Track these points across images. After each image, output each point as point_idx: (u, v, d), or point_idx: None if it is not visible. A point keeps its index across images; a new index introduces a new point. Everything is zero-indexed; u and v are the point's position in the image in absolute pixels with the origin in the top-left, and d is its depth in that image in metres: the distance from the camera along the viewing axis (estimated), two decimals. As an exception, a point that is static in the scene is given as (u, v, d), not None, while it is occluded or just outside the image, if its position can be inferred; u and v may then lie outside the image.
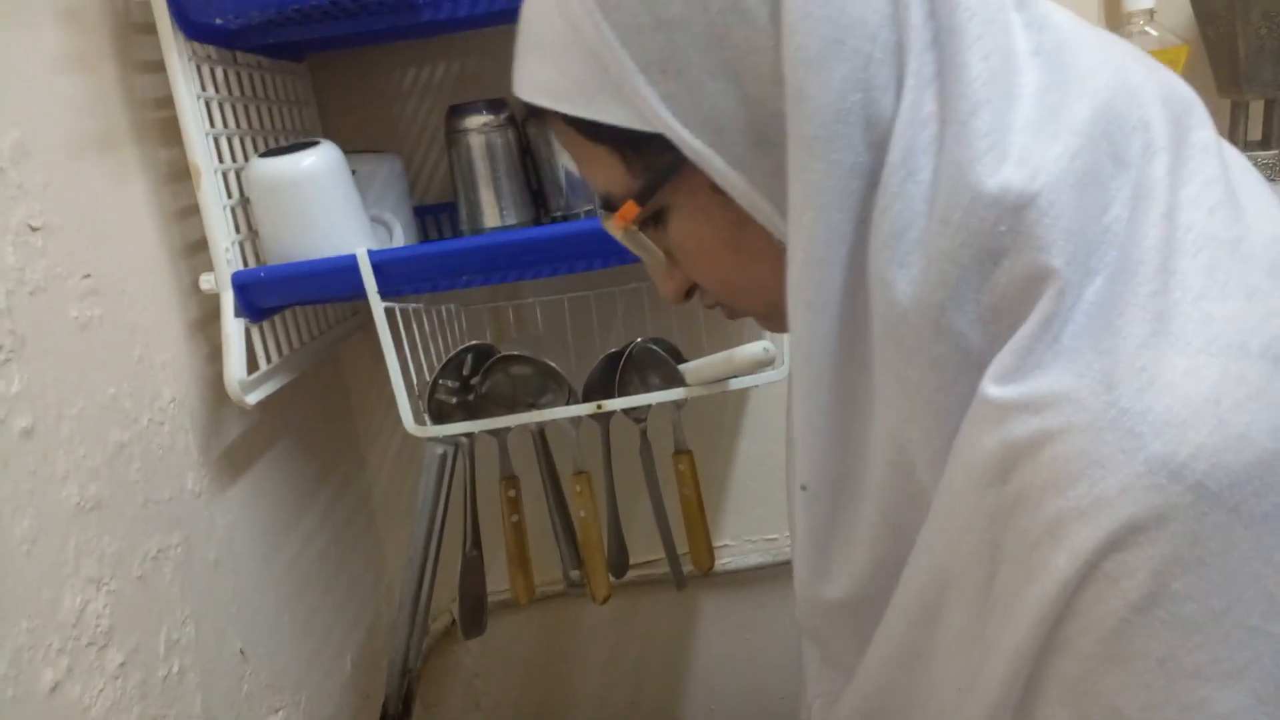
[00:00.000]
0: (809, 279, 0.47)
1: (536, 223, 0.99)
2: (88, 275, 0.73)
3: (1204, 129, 0.47)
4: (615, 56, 0.46)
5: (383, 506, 1.27)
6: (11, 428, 0.62)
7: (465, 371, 0.95)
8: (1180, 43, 1.00)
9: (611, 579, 1.05)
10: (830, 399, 0.50)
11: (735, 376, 0.88)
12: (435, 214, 1.10)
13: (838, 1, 0.43)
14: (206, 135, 0.83)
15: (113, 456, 0.73)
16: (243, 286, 0.84)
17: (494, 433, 0.99)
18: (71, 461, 0.68)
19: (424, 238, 1.09)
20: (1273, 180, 0.98)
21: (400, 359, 0.87)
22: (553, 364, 0.93)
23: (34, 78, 0.71)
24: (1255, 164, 0.55)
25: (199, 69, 0.83)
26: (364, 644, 1.18)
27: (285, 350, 0.94)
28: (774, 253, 0.50)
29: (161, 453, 0.79)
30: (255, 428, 0.97)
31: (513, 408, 0.94)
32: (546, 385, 0.94)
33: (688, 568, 1.08)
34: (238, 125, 0.90)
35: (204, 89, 0.84)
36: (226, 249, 0.84)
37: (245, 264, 0.87)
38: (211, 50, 0.86)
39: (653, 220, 0.53)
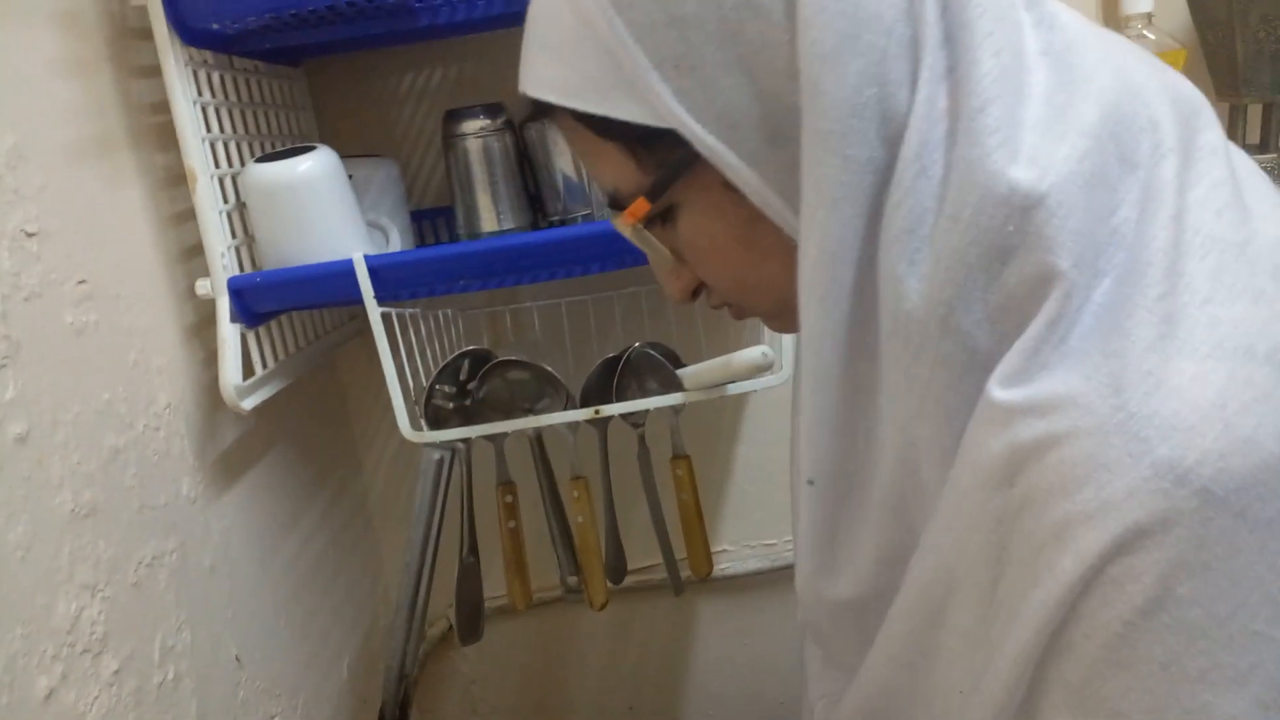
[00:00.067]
0: (821, 274, 0.47)
1: (534, 227, 0.99)
2: (83, 280, 0.72)
3: (1212, 131, 0.47)
4: (629, 53, 0.46)
5: (379, 512, 1.26)
6: (6, 433, 0.62)
7: (462, 376, 0.95)
8: (1178, 46, 1.00)
9: (609, 585, 1.05)
10: (839, 394, 0.50)
11: (733, 381, 0.88)
12: (432, 219, 1.10)
13: None
14: (203, 140, 0.83)
15: (108, 462, 0.72)
16: (239, 291, 0.84)
17: (491, 438, 0.99)
18: (66, 467, 0.67)
19: (421, 242, 1.08)
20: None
21: (397, 364, 0.87)
22: (550, 369, 0.93)
23: (30, 82, 0.71)
24: (1254, 168, 0.55)
25: (195, 74, 0.83)
26: (360, 650, 1.18)
27: (281, 355, 0.94)
28: (784, 250, 0.49)
29: (157, 458, 0.79)
30: (251, 433, 0.97)
31: (510, 413, 0.93)
32: (544, 390, 0.94)
33: (686, 573, 1.08)
34: (234, 130, 0.90)
35: (200, 94, 0.84)
36: (222, 254, 0.84)
37: (241, 269, 0.87)
38: (208, 55, 0.86)
39: (661, 218, 0.53)
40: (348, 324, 1.14)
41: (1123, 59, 0.47)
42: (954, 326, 0.45)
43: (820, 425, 0.51)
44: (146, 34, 0.80)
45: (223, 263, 0.84)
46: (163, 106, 0.82)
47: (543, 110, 0.51)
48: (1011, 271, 0.44)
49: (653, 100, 0.47)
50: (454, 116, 0.95)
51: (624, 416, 0.97)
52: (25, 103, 0.70)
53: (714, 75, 0.46)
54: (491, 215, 0.96)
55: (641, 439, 1.02)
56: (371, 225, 0.96)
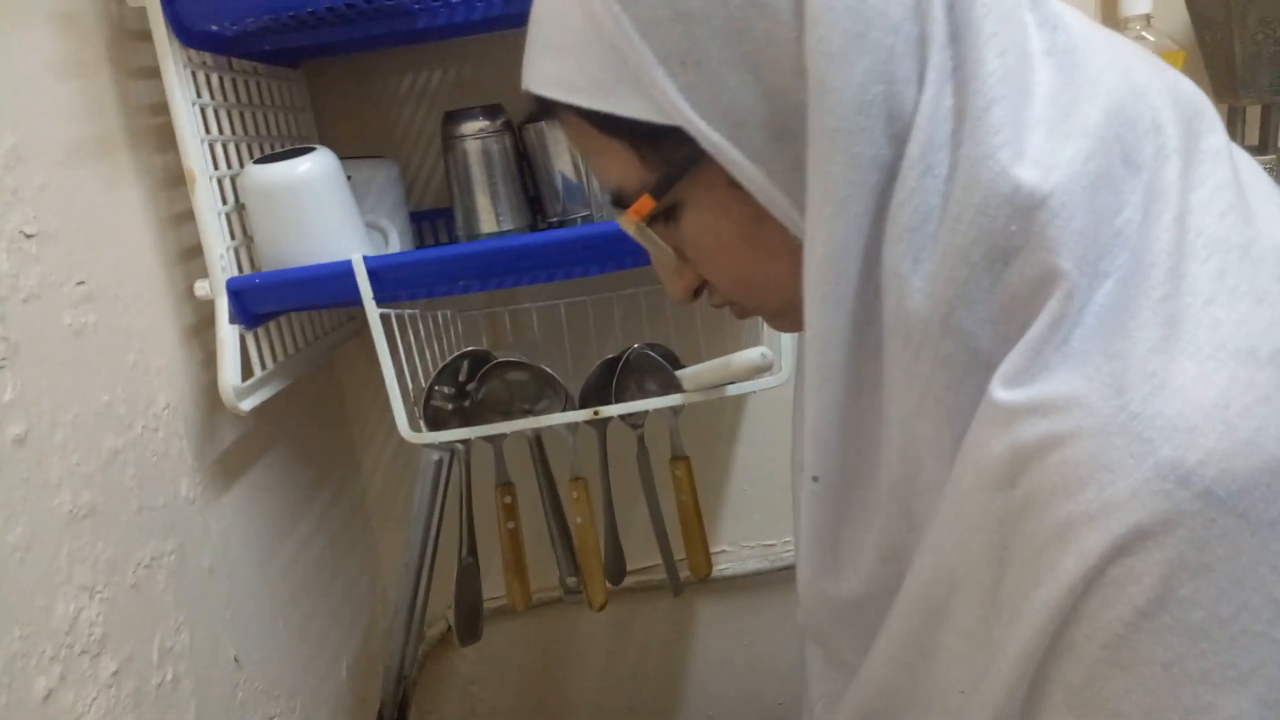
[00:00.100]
0: (827, 272, 0.47)
1: (533, 228, 0.99)
2: (82, 281, 0.72)
3: (1216, 133, 0.47)
4: (634, 49, 0.46)
5: (378, 513, 1.26)
6: (5, 435, 0.62)
7: (461, 377, 0.95)
8: (1177, 48, 1.01)
9: (608, 585, 1.05)
10: (843, 392, 0.50)
11: (733, 382, 0.88)
12: (431, 219, 1.10)
13: None
14: (202, 141, 0.83)
15: (107, 463, 0.72)
16: (237, 293, 0.84)
17: (490, 439, 0.99)
18: (65, 468, 0.67)
19: (420, 243, 1.08)
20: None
21: (396, 365, 0.87)
22: (549, 370, 0.93)
23: (29, 83, 0.71)
24: (1252, 169, 0.55)
25: (194, 75, 0.83)
26: (359, 651, 1.18)
27: (280, 356, 0.94)
28: (789, 248, 0.49)
29: (156, 459, 0.79)
30: (250, 434, 0.97)
31: (509, 414, 0.93)
32: (543, 391, 0.94)
33: (685, 574, 1.08)
34: (233, 131, 0.90)
35: (199, 95, 0.84)
36: (221, 255, 0.84)
37: (240, 270, 0.87)
38: (207, 56, 0.86)
39: (665, 216, 0.53)
40: (347, 325, 1.14)
41: (1128, 60, 0.47)
42: (955, 326, 0.45)
43: (825, 423, 0.51)
44: (145, 35, 0.80)
45: (222, 264, 0.84)
46: (162, 108, 0.82)
47: (546, 107, 0.51)
48: (1014, 272, 0.44)
49: (658, 97, 0.46)
50: (453, 118, 0.95)
51: (623, 417, 0.97)
52: (24, 104, 0.70)
53: (720, 72, 0.46)
54: (490, 216, 0.96)
55: (641, 440, 1.02)
56: (370, 226, 0.96)
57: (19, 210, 0.67)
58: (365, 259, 0.83)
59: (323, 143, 0.87)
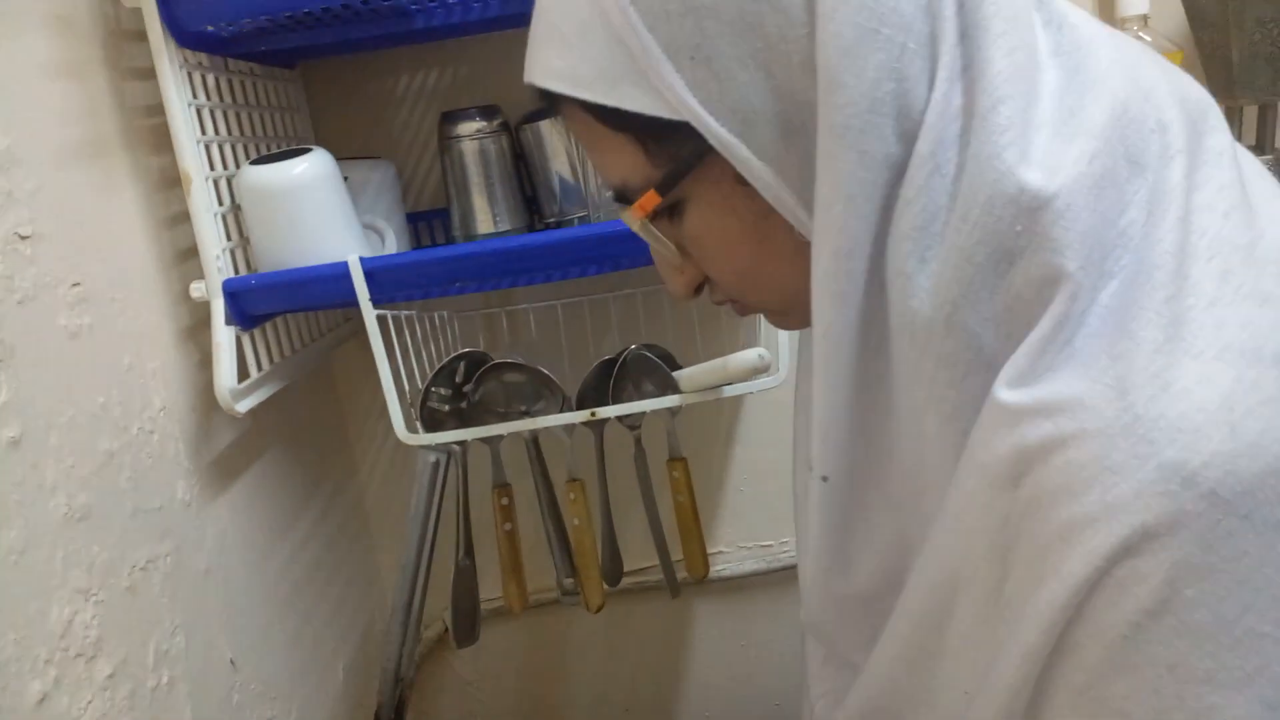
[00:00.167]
0: (837, 270, 0.47)
1: (530, 229, 0.99)
2: (77, 283, 0.72)
3: (1220, 133, 0.47)
4: (642, 42, 0.45)
5: (375, 514, 1.26)
6: (-1, 437, 0.62)
7: (458, 379, 0.95)
8: (1174, 48, 1.01)
9: (605, 587, 1.04)
10: (852, 390, 0.50)
11: (730, 383, 0.88)
12: (428, 220, 1.10)
13: None
14: (197, 142, 0.83)
15: (102, 466, 0.72)
16: (233, 294, 0.84)
17: (487, 441, 0.99)
18: (60, 471, 0.67)
19: (417, 244, 1.08)
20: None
21: (392, 366, 0.87)
22: (546, 371, 0.93)
23: (24, 85, 0.71)
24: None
25: (190, 76, 0.83)
26: (356, 652, 1.17)
27: (276, 358, 0.94)
28: (793, 245, 0.49)
29: (151, 461, 0.79)
30: (246, 436, 0.96)
31: (506, 415, 0.93)
32: (540, 392, 0.94)
33: (682, 575, 1.08)
34: (229, 132, 0.90)
35: (195, 96, 0.83)
36: (217, 256, 0.84)
37: (236, 271, 0.87)
38: (203, 57, 0.86)
39: (668, 212, 0.52)
40: (343, 326, 1.13)
41: (1134, 60, 0.47)
42: (959, 325, 0.45)
43: (834, 422, 0.51)
44: (141, 36, 0.80)
45: (217, 265, 0.83)
46: (157, 109, 0.82)
47: (550, 100, 0.50)
48: (1019, 272, 0.44)
49: (665, 91, 0.46)
50: (450, 118, 0.95)
51: (620, 418, 0.97)
52: (19, 105, 0.69)
53: (729, 67, 0.45)
54: (487, 217, 0.96)
55: (638, 441, 1.02)
56: (367, 227, 0.95)
57: (14, 212, 0.66)
58: (362, 260, 0.83)
59: (319, 143, 0.87)
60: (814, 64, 0.44)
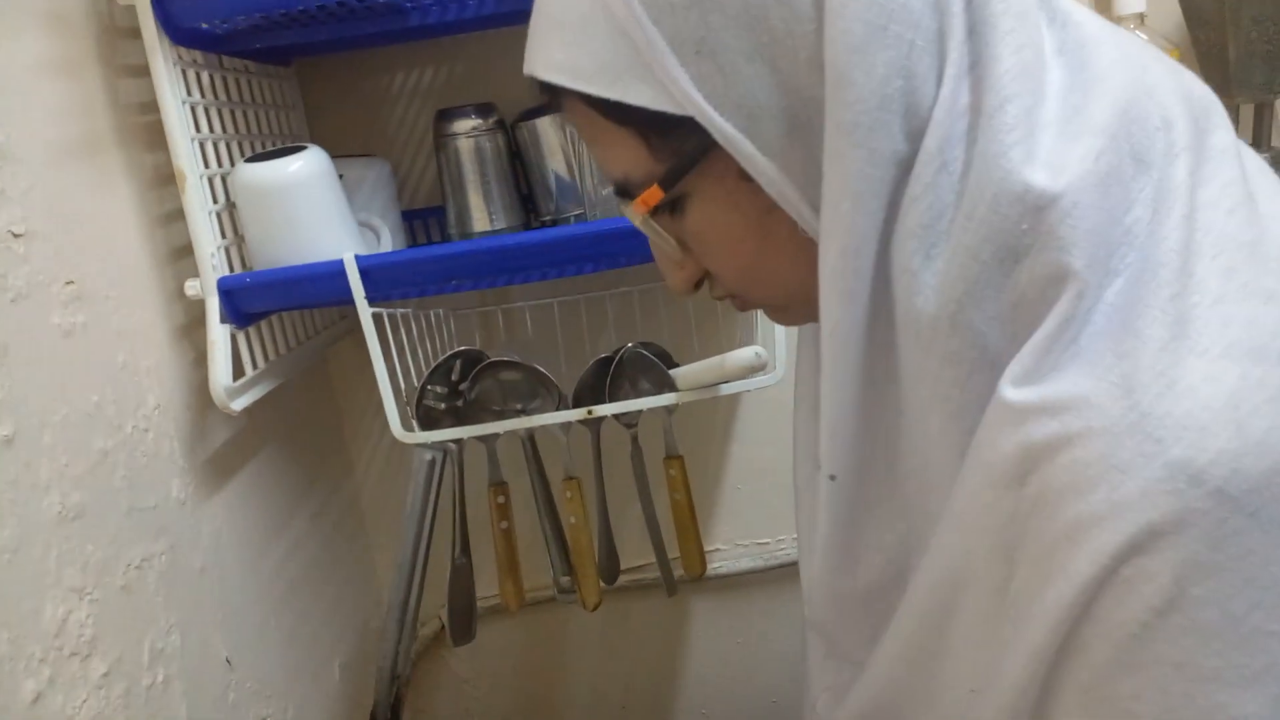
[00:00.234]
0: (844, 268, 0.46)
1: (526, 227, 0.99)
2: (71, 281, 0.72)
3: (1224, 131, 0.47)
4: (646, 35, 0.45)
5: (371, 512, 1.26)
6: (-8, 436, 0.62)
7: (454, 377, 0.95)
8: (1171, 47, 1.00)
9: (602, 585, 1.04)
10: (860, 387, 0.50)
11: (727, 381, 0.88)
12: (424, 218, 1.10)
13: None
14: (192, 140, 0.83)
15: (96, 464, 0.72)
16: (228, 292, 0.84)
17: (483, 439, 0.99)
18: (54, 470, 0.67)
19: (412, 242, 1.08)
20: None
21: (388, 364, 0.86)
22: (542, 369, 0.92)
23: (17, 82, 0.71)
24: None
25: (184, 73, 0.83)
26: (353, 650, 1.17)
27: (271, 356, 0.93)
28: (796, 242, 0.49)
29: (146, 460, 0.79)
30: (241, 434, 0.96)
31: (502, 413, 0.93)
32: (536, 391, 0.94)
33: (679, 573, 1.08)
34: (224, 130, 0.89)
35: (189, 94, 0.83)
36: (212, 254, 0.83)
37: (231, 269, 0.87)
38: (197, 55, 0.86)
39: (670, 207, 0.52)
40: (338, 324, 1.13)
41: (1139, 57, 0.47)
42: (963, 324, 0.45)
43: (843, 420, 0.51)
44: (135, 33, 0.79)
45: (212, 263, 0.83)
46: (151, 106, 0.81)
47: (551, 94, 0.50)
48: (1024, 270, 0.44)
49: (669, 85, 0.45)
50: (445, 116, 0.95)
51: (617, 417, 0.97)
52: (12, 103, 0.69)
53: (734, 62, 0.45)
54: (483, 215, 0.96)
55: (634, 439, 1.01)
56: (362, 225, 0.95)
57: (7, 210, 0.66)
58: (357, 258, 0.82)
59: (314, 141, 0.87)
60: (821, 60, 0.44)
